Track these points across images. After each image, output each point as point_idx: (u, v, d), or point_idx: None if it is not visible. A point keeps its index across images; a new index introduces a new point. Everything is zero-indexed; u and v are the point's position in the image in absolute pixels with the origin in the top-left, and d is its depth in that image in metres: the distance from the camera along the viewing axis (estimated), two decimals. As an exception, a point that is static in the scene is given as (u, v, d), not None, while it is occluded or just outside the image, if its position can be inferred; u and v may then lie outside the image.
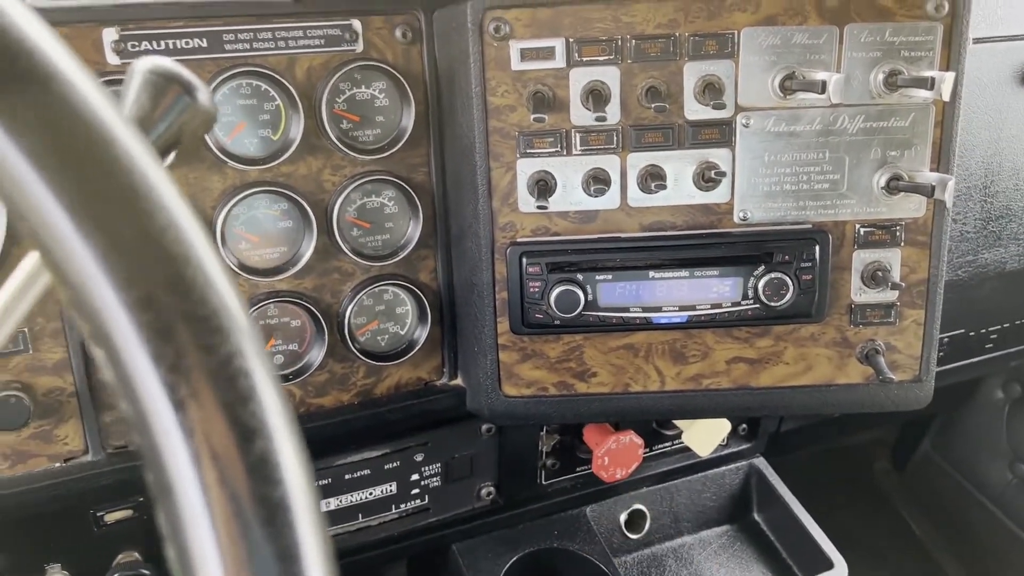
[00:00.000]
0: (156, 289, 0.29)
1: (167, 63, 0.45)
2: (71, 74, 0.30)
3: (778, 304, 0.89)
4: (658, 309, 0.90)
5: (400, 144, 0.91)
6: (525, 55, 0.86)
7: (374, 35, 0.88)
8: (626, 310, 0.90)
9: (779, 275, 0.89)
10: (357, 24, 0.87)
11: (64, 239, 0.29)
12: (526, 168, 0.88)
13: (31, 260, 0.40)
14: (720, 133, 0.88)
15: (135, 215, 0.29)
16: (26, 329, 0.81)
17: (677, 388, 0.95)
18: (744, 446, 1.28)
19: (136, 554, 0.92)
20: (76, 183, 0.29)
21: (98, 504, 0.89)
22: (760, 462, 1.29)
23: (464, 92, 0.87)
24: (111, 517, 0.90)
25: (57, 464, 0.85)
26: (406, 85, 0.90)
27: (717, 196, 0.89)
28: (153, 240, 0.29)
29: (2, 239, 0.77)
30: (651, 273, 0.89)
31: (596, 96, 0.86)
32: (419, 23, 0.90)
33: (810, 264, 0.89)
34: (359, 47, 0.88)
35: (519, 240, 0.90)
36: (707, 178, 0.88)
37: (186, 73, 0.46)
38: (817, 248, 0.89)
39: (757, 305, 0.90)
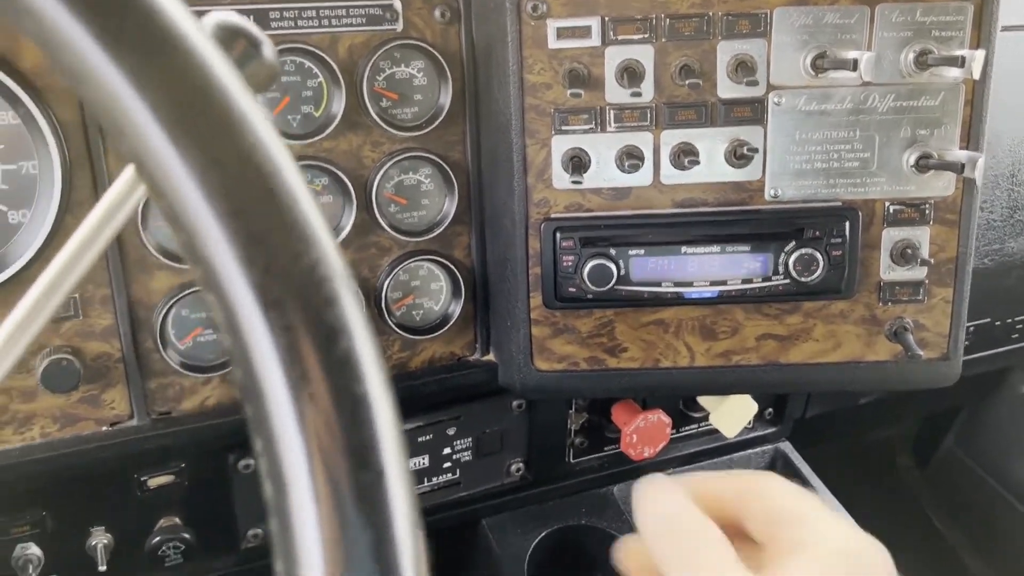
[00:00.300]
0: (248, 200, 0.31)
1: (234, 18, 0.48)
2: (172, 6, 0.32)
3: (808, 280, 0.91)
4: (689, 284, 0.92)
5: (437, 122, 0.93)
6: (561, 34, 0.88)
7: (414, 15, 0.91)
8: (658, 285, 0.91)
9: (809, 251, 0.90)
10: (397, 4, 0.90)
11: (163, 155, 0.31)
12: (561, 145, 0.90)
13: (124, 179, 0.42)
14: (752, 111, 0.89)
15: (228, 133, 0.31)
16: (77, 295, 0.84)
17: (707, 364, 0.96)
18: (770, 430, 1.29)
19: (177, 519, 0.94)
20: (176, 102, 0.31)
21: (142, 469, 0.92)
22: (786, 446, 1.30)
23: (501, 70, 0.89)
24: (154, 482, 0.92)
25: (104, 428, 0.87)
26: (444, 64, 0.92)
27: (749, 173, 0.91)
28: (244, 156, 0.31)
29: (56, 207, 0.79)
30: (683, 249, 0.91)
31: (630, 74, 0.88)
32: (457, 3, 0.92)
33: (840, 240, 0.90)
34: (399, 26, 0.90)
35: (553, 216, 0.92)
36: (739, 155, 0.90)
37: (253, 28, 0.48)
38: (847, 225, 0.90)
39: (787, 281, 0.91)
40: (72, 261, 0.41)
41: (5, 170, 0.79)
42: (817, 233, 0.90)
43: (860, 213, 0.91)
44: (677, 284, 0.92)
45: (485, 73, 0.93)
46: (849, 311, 0.94)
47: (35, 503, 0.89)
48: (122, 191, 0.41)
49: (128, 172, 0.42)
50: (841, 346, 0.95)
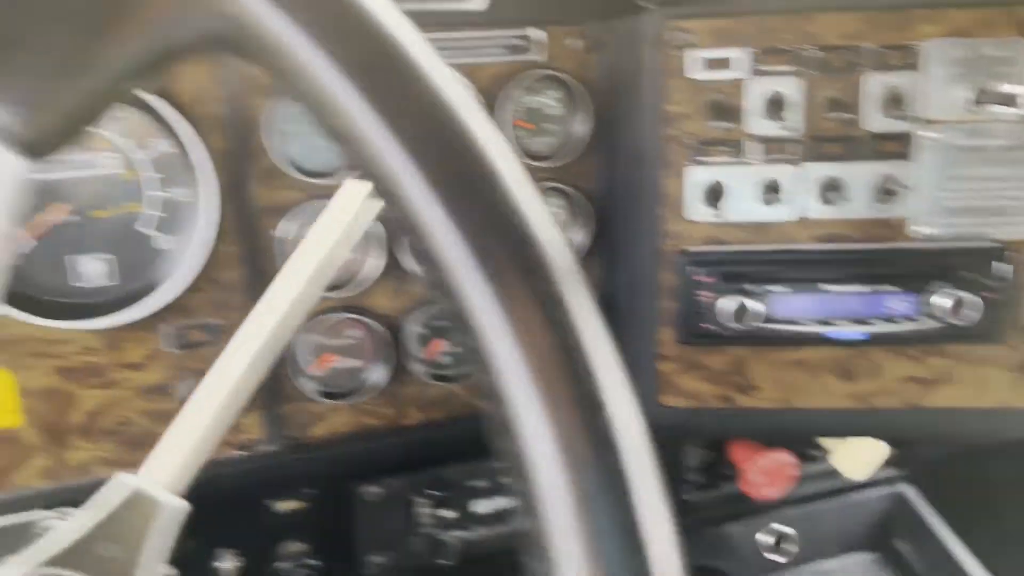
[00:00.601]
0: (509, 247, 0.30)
1: None
2: (438, 72, 0.32)
3: (957, 322, 0.87)
4: (831, 323, 0.89)
5: (571, 152, 0.92)
6: (704, 65, 0.86)
7: (554, 44, 0.90)
8: (799, 323, 0.89)
9: (959, 293, 0.86)
10: (538, 33, 0.89)
11: (433, 213, 0.30)
12: (699, 177, 0.88)
13: (351, 204, 0.43)
14: (902, 146, 0.86)
15: (491, 185, 0.31)
16: (220, 321, 0.85)
17: (843, 406, 0.93)
18: (892, 472, 1.24)
19: (303, 544, 0.94)
20: (436, 157, 0.31)
21: (271, 494, 0.92)
22: (908, 489, 1.25)
23: (640, 101, 0.88)
24: (283, 507, 0.93)
25: (238, 452, 0.88)
26: (581, 94, 0.91)
27: (896, 210, 0.87)
28: (500, 199, 0.31)
29: (213, 234, 0.80)
30: (825, 286, 0.88)
31: (775, 106, 0.86)
32: (597, 33, 0.91)
33: (992, 282, 0.86)
34: (539, 56, 0.90)
35: (688, 249, 0.90)
36: (886, 191, 0.87)
37: None
38: (1001, 266, 0.86)
39: (935, 323, 0.87)
40: (310, 287, 0.42)
41: (162, 198, 0.81)
42: (968, 275, 0.86)
43: (1015, 253, 0.87)
44: (819, 323, 0.89)
45: (623, 103, 0.92)
46: (997, 354, 0.90)
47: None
48: (353, 217, 0.42)
49: (355, 197, 0.43)
50: (988, 391, 0.91)
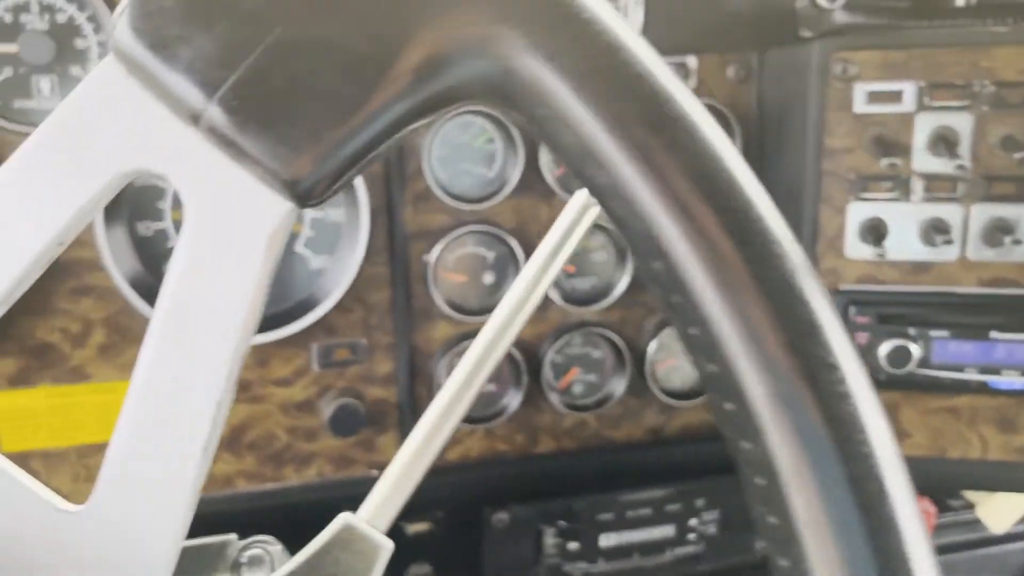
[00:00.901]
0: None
1: None
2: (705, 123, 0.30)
3: None
4: (997, 372, 0.84)
5: (719, 182, 0.90)
6: (871, 98, 0.83)
7: (707, 73, 0.88)
8: (961, 370, 0.84)
9: None
10: (692, 61, 0.88)
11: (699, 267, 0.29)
12: (858, 213, 0.85)
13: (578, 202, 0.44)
14: (1082, 187, 0.81)
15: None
16: (365, 341, 0.85)
17: (1001, 458, 0.88)
18: (1033, 526, 1.17)
19: (429, 566, 0.94)
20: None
21: (402, 515, 0.92)
22: (1050, 545, 1.18)
23: (798, 133, 0.85)
24: (412, 529, 0.93)
25: (373, 471, 0.88)
26: (733, 123, 0.89)
27: (1073, 255, 0.82)
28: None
29: (363, 254, 0.81)
30: (992, 333, 0.83)
31: (944, 142, 0.82)
32: (752, 62, 0.89)
33: None
34: (691, 84, 0.88)
35: (843, 288, 0.86)
36: (1063, 235, 0.82)
37: None
38: None
39: (1111, 376, 0.82)
40: (528, 292, 0.42)
41: (313, 218, 0.82)
42: None
43: None
44: (982, 371, 0.84)
45: (777, 134, 0.89)
46: None
47: (300, 539, 0.90)
48: (574, 223, 0.43)
49: (578, 206, 0.43)
50: None
